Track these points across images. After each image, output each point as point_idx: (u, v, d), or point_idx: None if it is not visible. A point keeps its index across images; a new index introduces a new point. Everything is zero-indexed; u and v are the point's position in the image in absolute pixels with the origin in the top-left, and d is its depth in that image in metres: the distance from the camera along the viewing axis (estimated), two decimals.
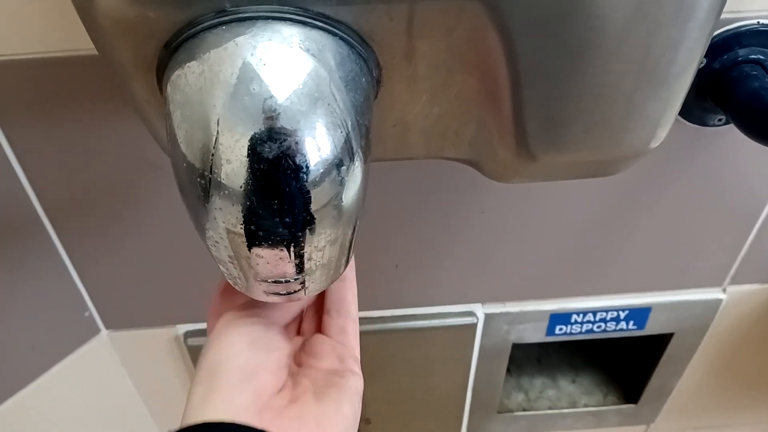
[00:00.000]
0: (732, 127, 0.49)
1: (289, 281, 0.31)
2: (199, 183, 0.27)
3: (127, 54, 0.30)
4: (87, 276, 0.62)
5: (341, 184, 0.28)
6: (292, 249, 0.29)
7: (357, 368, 0.38)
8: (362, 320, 0.64)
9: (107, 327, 0.67)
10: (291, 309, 0.39)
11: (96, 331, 0.67)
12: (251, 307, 0.37)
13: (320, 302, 0.40)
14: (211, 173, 0.27)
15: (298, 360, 0.37)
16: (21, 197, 0.54)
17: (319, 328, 0.39)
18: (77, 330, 0.65)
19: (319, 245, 0.29)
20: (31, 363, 0.63)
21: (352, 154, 0.29)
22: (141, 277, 0.62)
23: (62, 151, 0.51)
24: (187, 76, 0.28)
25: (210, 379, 0.33)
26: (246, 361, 0.33)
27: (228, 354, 0.34)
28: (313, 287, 0.32)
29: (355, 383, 0.36)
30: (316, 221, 0.28)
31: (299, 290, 0.32)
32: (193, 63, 0.28)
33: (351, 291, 0.40)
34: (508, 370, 0.78)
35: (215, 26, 0.28)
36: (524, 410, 0.85)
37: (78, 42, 0.44)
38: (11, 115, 0.49)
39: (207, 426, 0.31)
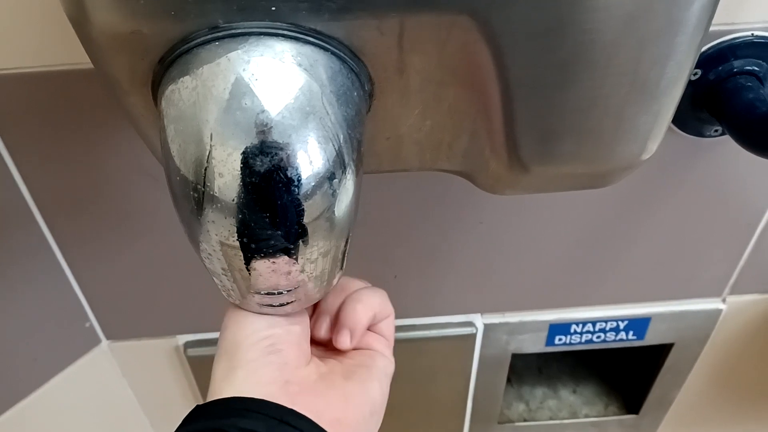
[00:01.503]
0: (728, 138, 0.50)
1: (281, 293, 0.31)
2: (193, 196, 0.28)
3: (123, 69, 0.30)
4: (88, 287, 0.62)
5: (333, 196, 0.29)
6: (284, 261, 0.29)
7: (388, 352, 0.38)
8: None
9: (108, 337, 0.68)
10: None
11: (96, 341, 0.67)
12: None
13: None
14: (204, 186, 0.27)
15: (328, 343, 0.37)
16: (22, 208, 0.54)
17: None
18: (78, 340, 0.65)
19: (312, 257, 0.30)
20: (32, 373, 0.64)
21: (344, 167, 0.29)
22: (141, 288, 0.63)
23: (62, 162, 0.52)
24: (180, 91, 0.28)
25: (231, 356, 0.32)
26: (267, 335, 0.33)
27: (248, 330, 0.33)
28: (305, 299, 0.32)
29: (384, 364, 0.36)
30: (308, 233, 0.29)
31: (292, 302, 0.32)
32: (187, 78, 0.28)
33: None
34: (509, 381, 0.78)
35: (208, 42, 0.28)
36: (525, 421, 0.84)
37: (78, 56, 0.45)
38: (13, 127, 0.49)
39: (230, 401, 0.30)
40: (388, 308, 0.39)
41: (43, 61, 0.45)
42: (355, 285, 0.39)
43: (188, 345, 0.68)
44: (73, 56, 0.45)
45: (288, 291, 0.31)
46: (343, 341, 0.36)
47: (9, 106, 0.48)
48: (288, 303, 0.32)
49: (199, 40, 0.28)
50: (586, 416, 0.85)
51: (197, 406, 0.31)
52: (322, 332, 0.37)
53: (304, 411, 0.30)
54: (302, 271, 0.30)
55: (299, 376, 0.33)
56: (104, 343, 0.68)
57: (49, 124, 0.49)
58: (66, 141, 0.50)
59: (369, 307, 0.37)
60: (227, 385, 0.31)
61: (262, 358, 0.32)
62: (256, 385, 0.31)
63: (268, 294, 0.31)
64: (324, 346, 0.38)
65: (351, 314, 0.36)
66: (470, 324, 0.68)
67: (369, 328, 0.38)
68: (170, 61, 0.29)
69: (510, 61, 0.30)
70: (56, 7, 0.42)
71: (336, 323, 0.37)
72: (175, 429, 0.30)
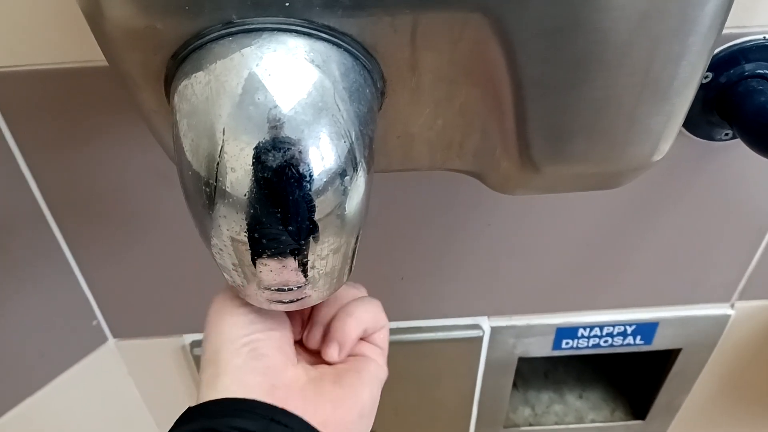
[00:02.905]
0: (739, 142, 0.49)
1: (292, 289, 0.31)
2: (204, 191, 0.28)
3: (136, 64, 0.31)
4: (95, 285, 0.62)
5: (344, 193, 0.29)
6: (295, 257, 0.29)
7: (381, 360, 0.38)
8: None
9: (114, 336, 0.68)
10: None
11: (103, 339, 0.67)
12: None
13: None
14: (216, 181, 0.27)
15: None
16: (32, 206, 0.54)
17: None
18: (85, 338, 0.66)
19: (323, 254, 0.30)
20: (39, 370, 0.64)
21: (356, 164, 0.29)
22: (148, 287, 0.63)
23: (73, 161, 0.52)
24: (193, 86, 0.28)
25: (215, 363, 0.32)
26: (247, 341, 0.33)
27: (228, 336, 0.33)
28: (316, 295, 0.32)
29: (375, 368, 0.36)
30: (319, 230, 0.29)
31: (302, 298, 0.32)
32: (200, 73, 0.28)
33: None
34: (515, 385, 0.78)
35: (222, 37, 0.28)
36: (531, 425, 0.84)
37: (89, 53, 0.45)
38: (24, 125, 0.50)
39: (222, 401, 0.30)
40: (382, 320, 0.38)
41: (54, 59, 0.46)
42: (350, 295, 0.38)
43: (194, 344, 0.68)
44: (85, 53, 0.45)
45: (298, 287, 0.31)
46: (331, 354, 0.36)
47: (20, 103, 0.48)
48: (298, 299, 0.32)
49: (212, 36, 0.28)
50: (593, 421, 0.85)
51: (189, 408, 0.31)
52: (315, 343, 0.37)
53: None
54: (312, 267, 0.30)
55: (285, 380, 0.33)
56: (111, 341, 0.68)
57: (60, 123, 0.49)
58: (76, 139, 0.50)
59: (360, 321, 0.37)
60: (213, 391, 0.31)
61: (245, 364, 0.32)
62: (242, 390, 0.31)
63: (278, 290, 0.31)
64: (317, 354, 0.38)
65: (341, 328, 0.36)
66: (477, 327, 0.68)
67: (362, 339, 0.38)
68: (183, 57, 0.29)
69: (522, 59, 0.30)
70: (69, 4, 0.42)
71: (327, 334, 0.37)
72: (168, 430, 0.30)
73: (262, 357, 0.33)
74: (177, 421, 0.31)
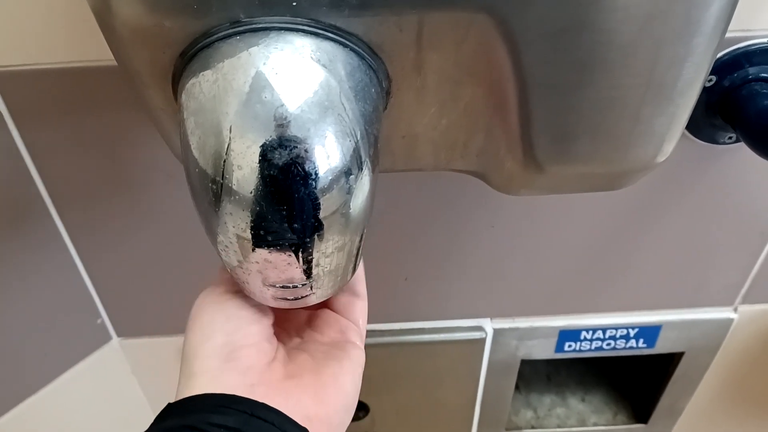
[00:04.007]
0: (743, 145, 0.50)
1: (296, 287, 0.31)
2: (211, 188, 0.28)
3: (144, 62, 0.31)
4: (100, 283, 0.63)
5: (349, 192, 0.29)
6: (300, 254, 0.29)
7: (359, 341, 0.37)
8: (371, 333, 0.65)
9: (119, 334, 0.68)
10: None
11: (107, 338, 0.67)
12: (225, 283, 0.36)
13: None
14: (222, 179, 0.28)
15: (301, 333, 0.37)
16: (37, 203, 0.55)
17: (326, 303, 0.38)
18: (89, 337, 0.66)
19: (327, 251, 0.30)
20: (43, 368, 0.64)
21: (361, 163, 0.29)
22: (153, 286, 0.63)
23: (79, 158, 0.52)
24: (201, 84, 0.28)
25: (191, 363, 0.32)
26: (224, 342, 0.32)
27: (204, 334, 0.33)
28: (320, 293, 0.33)
29: (356, 354, 0.36)
30: (324, 228, 0.29)
31: (307, 296, 0.32)
32: (208, 72, 0.28)
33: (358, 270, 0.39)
34: (517, 387, 0.78)
35: (229, 36, 0.28)
36: (533, 428, 0.84)
37: (94, 52, 0.45)
38: (30, 122, 0.50)
39: (203, 397, 0.30)
40: (362, 288, 0.39)
41: (62, 58, 0.46)
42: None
43: None
44: (91, 53, 0.46)
45: (303, 285, 0.31)
46: None
47: (29, 102, 0.48)
48: (303, 297, 0.32)
49: (220, 35, 0.29)
50: (595, 425, 0.84)
51: (169, 404, 0.31)
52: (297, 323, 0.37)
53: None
54: (317, 265, 0.30)
55: (264, 378, 0.32)
56: (115, 339, 0.68)
57: (66, 120, 0.50)
58: (82, 137, 0.51)
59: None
60: (191, 389, 0.31)
61: (222, 365, 0.32)
62: (218, 390, 0.30)
63: (282, 287, 0.31)
64: (299, 336, 0.37)
65: None
66: (480, 328, 0.68)
67: (342, 313, 0.38)
68: (191, 55, 0.29)
69: (527, 60, 0.31)
70: (78, 4, 0.43)
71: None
72: (147, 428, 0.30)
73: (239, 359, 0.32)
74: (157, 417, 0.30)
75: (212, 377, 0.31)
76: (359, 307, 0.39)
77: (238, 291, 0.34)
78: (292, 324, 0.39)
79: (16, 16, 0.43)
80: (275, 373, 0.33)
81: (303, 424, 0.30)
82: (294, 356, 0.35)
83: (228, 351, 0.32)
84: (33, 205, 0.55)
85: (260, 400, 0.30)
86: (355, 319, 0.38)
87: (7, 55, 0.46)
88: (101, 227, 0.58)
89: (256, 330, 0.34)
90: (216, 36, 0.29)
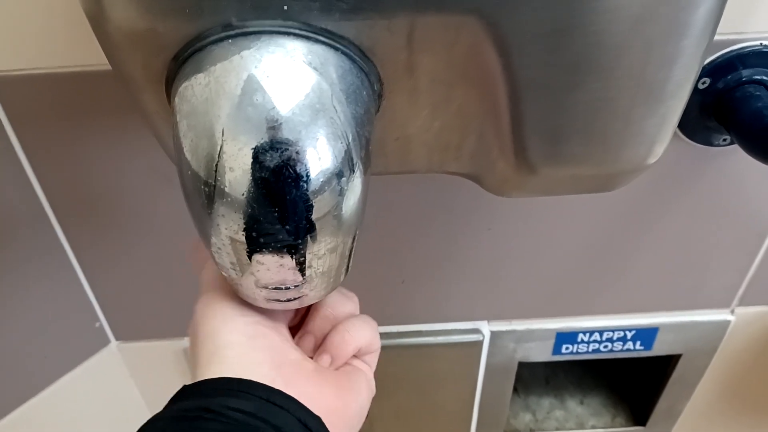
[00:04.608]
0: (738, 147, 0.50)
1: (289, 288, 0.31)
2: (203, 190, 0.28)
3: (138, 66, 0.31)
4: (98, 287, 0.63)
5: (341, 194, 0.29)
6: (292, 256, 0.29)
7: (369, 375, 0.38)
8: None
9: (117, 338, 0.68)
10: None
11: (106, 342, 0.68)
12: (224, 286, 0.35)
13: None
14: (215, 181, 0.28)
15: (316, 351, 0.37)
16: (36, 209, 0.55)
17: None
18: (88, 340, 0.66)
19: (319, 253, 0.30)
20: (41, 371, 0.64)
21: (353, 165, 0.29)
22: (151, 289, 0.63)
23: (77, 163, 0.52)
24: (194, 87, 0.29)
25: (214, 339, 0.31)
26: (248, 321, 0.32)
27: (226, 316, 0.32)
28: (313, 295, 0.33)
29: (366, 376, 0.36)
30: (316, 229, 0.29)
31: (299, 297, 0.32)
32: (200, 75, 0.29)
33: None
34: (516, 390, 0.78)
35: (222, 40, 0.29)
36: (531, 431, 0.84)
37: (93, 57, 0.46)
38: (29, 128, 0.50)
39: (218, 381, 0.30)
40: (376, 344, 0.38)
41: (59, 63, 0.46)
42: (345, 308, 0.38)
43: None
44: (89, 58, 0.46)
45: (295, 286, 0.31)
46: (323, 363, 0.36)
47: (25, 106, 0.49)
48: (295, 298, 0.32)
49: (212, 38, 0.29)
50: (594, 427, 0.84)
51: (184, 386, 0.30)
52: (306, 352, 0.37)
53: (297, 395, 0.30)
54: (309, 266, 0.30)
55: (290, 360, 0.32)
56: (113, 343, 0.68)
57: (65, 125, 0.50)
58: (81, 142, 0.51)
59: (357, 340, 0.37)
60: (216, 366, 0.30)
61: (249, 341, 0.32)
62: (250, 365, 0.30)
63: (275, 289, 0.31)
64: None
65: (337, 344, 0.36)
66: (477, 331, 0.68)
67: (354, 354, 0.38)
68: (184, 59, 0.30)
69: (517, 62, 0.31)
70: (74, 9, 0.43)
71: (320, 345, 0.37)
72: (162, 408, 0.30)
73: (264, 336, 0.32)
74: (171, 398, 0.30)
75: (242, 352, 0.31)
76: (372, 357, 0.39)
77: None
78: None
79: (14, 20, 0.44)
80: (301, 361, 0.33)
81: (324, 415, 0.30)
82: (315, 355, 0.36)
83: (252, 329, 0.32)
84: (31, 210, 0.55)
85: (286, 381, 0.30)
86: (367, 362, 0.39)
87: (5, 60, 0.46)
88: (99, 231, 0.58)
89: (272, 320, 0.34)
90: (208, 40, 0.29)
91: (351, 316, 0.38)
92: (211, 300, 0.34)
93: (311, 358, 0.36)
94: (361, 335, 0.37)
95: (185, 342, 0.69)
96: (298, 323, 0.39)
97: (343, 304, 0.38)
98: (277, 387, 0.30)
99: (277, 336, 0.33)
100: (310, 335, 0.37)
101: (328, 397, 0.32)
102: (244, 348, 0.31)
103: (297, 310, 0.38)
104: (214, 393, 0.29)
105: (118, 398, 0.72)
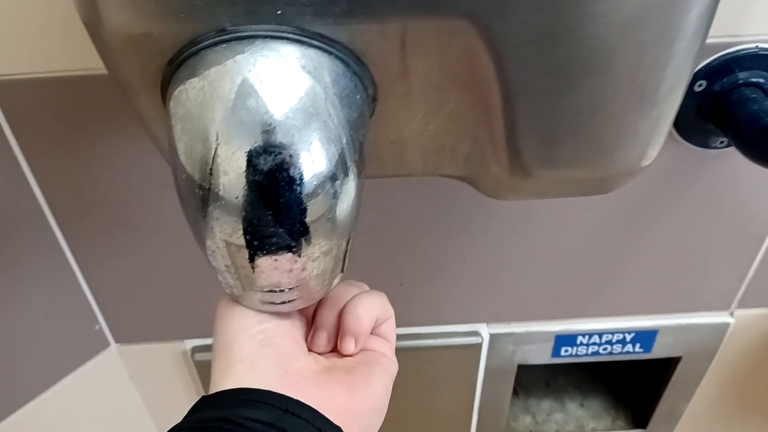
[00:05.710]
0: (734, 150, 0.50)
1: (283, 290, 0.31)
2: (198, 194, 0.28)
3: (134, 70, 0.31)
4: (98, 290, 0.63)
5: (335, 197, 0.29)
6: (286, 259, 0.30)
7: (391, 354, 0.38)
8: None
9: (117, 341, 0.68)
10: None
11: (106, 344, 0.68)
12: None
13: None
14: (209, 184, 0.28)
15: (333, 344, 0.37)
16: (35, 211, 0.55)
17: None
18: (87, 343, 0.66)
19: (314, 256, 0.30)
20: (41, 374, 0.65)
21: (346, 169, 0.30)
22: (150, 292, 0.64)
23: (76, 166, 0.53)
24: (188, 91, 0.29)
25: (227, 353, 0.32)
26: (259, 330, 0.33)
27: (238, 327, 0.33)
28: (307, 297, 0.33)
29: (387, 364, 0.36)
30: (310, 232, 0.29)
31: (294, 300, 0.32)
32: (195, 79, 0.29)
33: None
34: (516, 393, 0.78)
35: (216, 44, 0.29)
36: None
37: (91, 62, 0.46)
38: (28, 131, 0.51)
39: (235, 391, 0.30)
40: (389, 310, 0.39)
41: (57, 67, 0.47)
42: (351, 292, 0.38)
43: (195, 350, 0.69)
44: (87, 62, 0.46)
45: (290, 289, 0.31)
46: (348, 347, 0.36)
47: (25, 110, 0.49)
48: (290, 301, 0.32)
49: (206, 43, 0.29)
50: (594, 430, 0.84)
51: (203, 397, 0.31)
52: (320, 347, 0.37)
53: (305, 401, 0.30)
54: (304, 269, 0.30)
55: (298, 366, 0.33)
56: (113, 346, 0.68)
57: (64, 128, 0.50)
58: (80, 145, 0.51)
59: (370, 311, 0.37)
60: (227, 380, 0.31)
61: (258, 351, 0.32)
62: (256, 377, 0.31)
63: (269, 291, 0.31)
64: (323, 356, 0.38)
65: (354, 321, 0.36)
66: (476, 333, 0.69)
67: (371, 332, 0.38)
68: (179, 63, 0.30)
69: (510, 66, 0.31)
70: (72, 15, 0.43)
71: (338, 333, 0.37)
72: (181, 419, 0.31)
73: (274, 345, 0.33)
74: (190, 409, 0.31)
75: (249, 364, 0.32)
76: (389, 325, 0.39)
77: None
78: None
79: (14, 25, 0.44)
80: (309, 365, 0.34)
81: (335, 418, 0.31)
82: (327, 357, 0.36)
83: (263, 338, 0.33)
84: (31, 213, 0.55)
85: (292, 389, 0.31)
86: (385, 335, 0.39)
87: (4, 65, 0.46)
88: (99, 234, 0.58)
89: (288, 324, 0.35)
90: (203, 44, 0.29)
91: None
92: (229, 305, 0.35)
93: (329, 352, 0.37)
94: (372, 306, 0.37)
95: (185, 344, 0.69)
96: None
97: (350, 292, 0.38)
98: (286, 395, 0.31)
99: (288, 342, 0.34)
100: (321, 330, 0.37)
101: (339, 398, 0.32)
102: (252, 359, 0.32)
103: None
104: (231, 404, 0.30)
105: (117, 401, 0.72)
